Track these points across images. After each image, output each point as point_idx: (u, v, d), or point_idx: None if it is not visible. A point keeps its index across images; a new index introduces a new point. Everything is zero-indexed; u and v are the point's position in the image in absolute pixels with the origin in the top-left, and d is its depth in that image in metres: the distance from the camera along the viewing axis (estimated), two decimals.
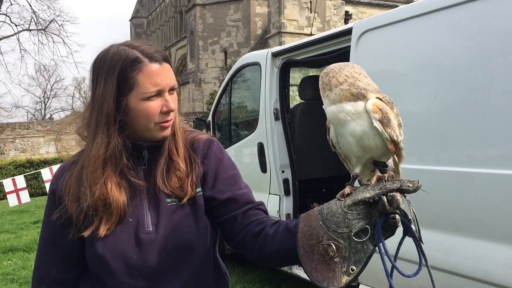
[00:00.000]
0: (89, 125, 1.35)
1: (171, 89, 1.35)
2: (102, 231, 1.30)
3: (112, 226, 1.31)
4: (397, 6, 3.33)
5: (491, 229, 2.60)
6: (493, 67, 2.61)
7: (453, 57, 2.80)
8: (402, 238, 1.12)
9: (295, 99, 6.34)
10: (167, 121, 1.36)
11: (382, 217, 1.08)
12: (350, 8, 32.41)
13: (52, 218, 1.36)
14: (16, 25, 32.97)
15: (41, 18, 33.31)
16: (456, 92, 2.77)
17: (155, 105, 1.31)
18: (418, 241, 1.12)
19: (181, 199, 1.37)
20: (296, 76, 6.69)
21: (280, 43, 26.07)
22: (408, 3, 3.35)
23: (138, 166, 1.40)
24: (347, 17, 30.57)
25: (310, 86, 5.08)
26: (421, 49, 2.97)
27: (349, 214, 1.11)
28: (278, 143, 4.69)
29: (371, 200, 1.09)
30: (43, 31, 32.97)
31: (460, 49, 2.78)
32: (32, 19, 32.85)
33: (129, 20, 54.04)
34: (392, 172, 1.15)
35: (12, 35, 33.17)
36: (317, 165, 5.02)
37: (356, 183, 1.21)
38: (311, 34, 7.16)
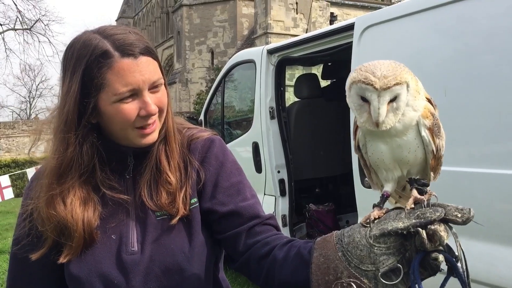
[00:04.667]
0: (52, 127, 1.15)
1: (154, 87, 1.11)
2: (64, 257, 1.10)
3: (75, 252, 1.11)
4: (381, 8, 3.24)
5: (506, 231, 2.51)
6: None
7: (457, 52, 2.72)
8: (446, 279, 0.88)
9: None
10: (148, 126, 1.13)
11: (420, 254, 0.84)
12: (335, 10, 32.64)
13: (20, 235, 1.17)
14: (1, 25, 32.88)
15: (26, 18, 33.28)
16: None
17: (130, 108, 1.08)
18: (466, 286, 0.86)
19: (172, 215, 1.16)
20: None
21: (267, 44, 26.06)
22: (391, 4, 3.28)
23: (122, 174, 1.19)
24: (332, 18, 30.78)
25: (306, 84, 4.99)
26: (430, 43, 2.87)
27: (375, 248, 0.87)
28: (274, 142, 4.55)
29: (404, 232, 0.85)
30: (28, 31, 32.81)
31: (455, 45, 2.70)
32: (18, 19, 32.69)
33: (116, 20, 53.64)
34: (434, 193, 0.90)
35: None
36: (313, 165, 4.92)
37: (387, 204, 0.97)
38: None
